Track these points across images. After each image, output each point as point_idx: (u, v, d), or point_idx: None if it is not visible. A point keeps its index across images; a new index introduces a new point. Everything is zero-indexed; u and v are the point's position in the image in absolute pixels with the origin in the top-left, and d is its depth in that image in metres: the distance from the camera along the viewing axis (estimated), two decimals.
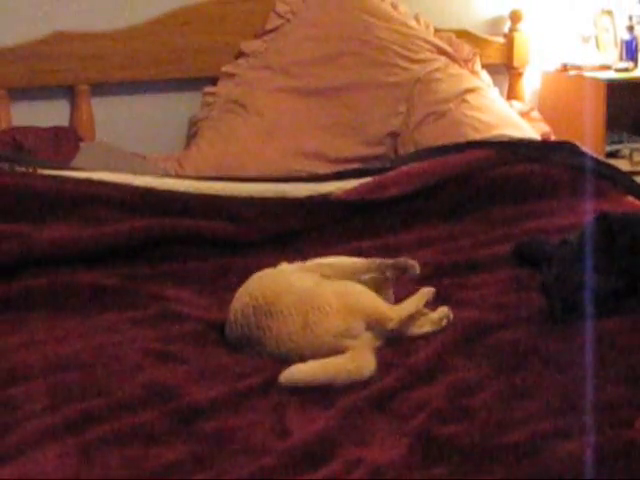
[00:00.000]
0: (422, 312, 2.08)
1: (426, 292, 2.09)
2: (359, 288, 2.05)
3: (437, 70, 3.59)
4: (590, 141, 3.62)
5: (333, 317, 1.92)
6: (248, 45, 3.53)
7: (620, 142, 3.99)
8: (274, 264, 2.17)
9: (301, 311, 1.94)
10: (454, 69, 3.65)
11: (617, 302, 2.12)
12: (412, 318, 2.03)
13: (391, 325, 1.99)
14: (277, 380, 1.81)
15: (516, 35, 3.98)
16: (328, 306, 1.93)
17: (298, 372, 1.82)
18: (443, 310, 2.09)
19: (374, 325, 1.97)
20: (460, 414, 1.68)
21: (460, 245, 2.65)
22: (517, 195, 2.90)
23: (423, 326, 2.05)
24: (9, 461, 1.54)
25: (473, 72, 3.74)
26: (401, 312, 2.02)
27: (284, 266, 2.17)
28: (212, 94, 3.49)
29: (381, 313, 1.99)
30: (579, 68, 4.00)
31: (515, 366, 1.86)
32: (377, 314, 1.98)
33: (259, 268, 2.15)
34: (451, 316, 2.08)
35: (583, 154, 3.10)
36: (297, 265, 2.17)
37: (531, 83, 4.09)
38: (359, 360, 1.86)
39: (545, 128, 3.78)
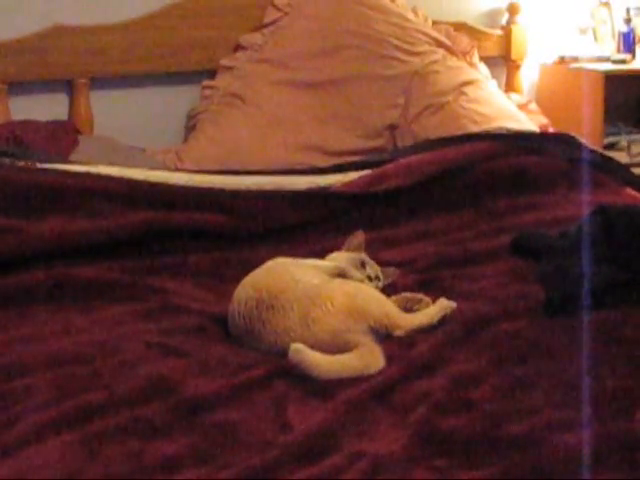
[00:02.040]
0: (423, 300, 2.09)
1: (445, 306, 2.05)
2: (371, 292, 2.04)
3: (435, 62, 3.59)
4: (588, 133, 3.63)
5: (333, 316, 1.90)
6: (247, 38, 3.53)
7: (618, 134, 3.99)
8: (273, 257, 2.17)
9: (303, 307, 1.92)
10: (452, 61, 3.65)
11: (615, 294, 2.12)
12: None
13: (398, 333, 1.97)
14: (279, 373, 1.81)
15: (514, 27, 3.98)
16: (331, 305, 1.91)
17: (307, 350, 1.80)
18: (442, 302, 2.06)
19: (380, 330, 1.95)
20: (461, 406, 1.68)
21: (459, 237, 2.65)
22: (515, 187, 2.90)
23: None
24: (10, 454, 1.54)
25: (471, 64, 3.74)
26: (412, 322, 2.00)
27: (298, 260, 2.15)
28: (211, 87, 3.49)
29: (390, 319, 1.97)
30: (577, 60, 4.00)
31: (515, 358, 1.86)
32: (385, 319, 1.96)
33: (258, 261, 2.15)
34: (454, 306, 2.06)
35: (581, 146, 3.11)
36: (311, 261, 2.17)
37: (529, 75, 4.10)
38: (368, 359, 1.84)
39: (543, 120, 3.79)
